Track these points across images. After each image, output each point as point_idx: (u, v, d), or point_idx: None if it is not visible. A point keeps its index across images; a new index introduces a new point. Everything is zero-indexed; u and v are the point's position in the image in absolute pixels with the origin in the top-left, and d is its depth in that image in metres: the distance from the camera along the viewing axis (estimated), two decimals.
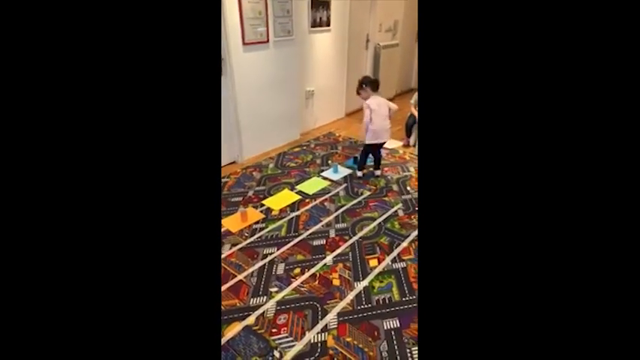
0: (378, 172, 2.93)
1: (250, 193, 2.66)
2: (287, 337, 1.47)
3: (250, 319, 1.55)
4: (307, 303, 1.64)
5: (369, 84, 2.72)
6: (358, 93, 2.77)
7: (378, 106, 2.66)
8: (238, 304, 1.63)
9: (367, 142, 2.80)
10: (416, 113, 3.47)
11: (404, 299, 1.65)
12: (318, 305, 1.63)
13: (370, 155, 2.92)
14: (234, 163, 3.22)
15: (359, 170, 2.94)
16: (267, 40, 3.05)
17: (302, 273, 1.83)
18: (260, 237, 2.13)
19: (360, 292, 1.70)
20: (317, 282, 1.77)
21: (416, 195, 2.61)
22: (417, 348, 1.40)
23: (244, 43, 2.85)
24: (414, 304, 1.62)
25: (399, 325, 1.52)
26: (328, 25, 3.81)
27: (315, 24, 3.65)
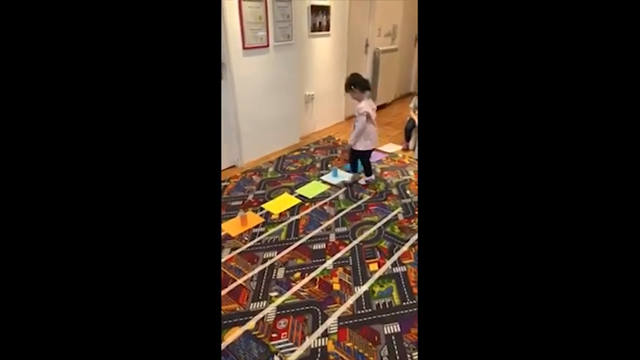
0: (371, 177, 2.89)
1: (250, 197, 2.65)
2: (287, 342, 1.46)
3: (250, 324, 1.54)
4: (307, 307, 1.63)
5: (358, 84, 2.51)
6: (347, 91, 2.62)
7: (372, 110, 2.59)
8: (238, 309, 1.62)
9: (362, 149, 2.66)
10: (415, 117, 3.48)
11: (404, 304, 1.65)
12: (318, 310, 1.62)
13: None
14: (233, 167, 3.22)
15: (368, 175, 2.83)
16: (268, 45, 3.07)
17: (302, 277, 1.83)
18: (260, 241, 2.13)
19: (361, 296, 1.70)
20: (317, 286, 1.76)
21: (415, 199, 2.61)
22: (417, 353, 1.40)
23: (244, 48, 2.86)
24: (415, 309, 1.61)
25: (399, 329, 1.51)
26: (328, 29, 3.83)
27: (315, 28, 3.67)
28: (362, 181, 2.85)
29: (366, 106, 2.55)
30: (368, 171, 2.85)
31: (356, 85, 2.51)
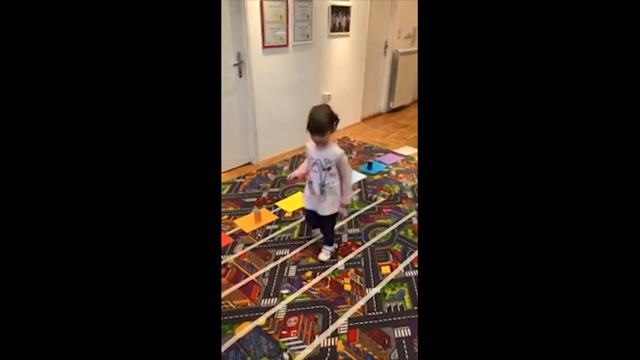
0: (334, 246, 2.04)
1: (264, 195, 2.67)
2: (297, 339, 1.46)
3: (261, 320, 1.55)
4: (318, 307, 1.64)
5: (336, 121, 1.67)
6: (324, 133, 1.62)
7: None
8: (249, 304, 1.64)
9: (335, 210, 1.85)
10: None
11: (416, 308, 1.63)
12: (328, 309, 1.62)
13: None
14: (249, 164, 3.25)
15: (331, 244, 1.99)
16: (287, 44, 3.09)
17: (313, 276, 1.83)
18: (272, 238, 2.14)
19: (372, 298, 1.69)
20: (328, 286, 1.77)
21: None
22: None
23: (264, 47, 2.89)
24: None
25: (410, 333, 1.50)
26: (347, 30, 3.83)
27: (335, 29, 3.67)
28: (324, 256, 1.95)
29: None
30: (331, 238, 1.99)
31: (337, 122, 1.68)
